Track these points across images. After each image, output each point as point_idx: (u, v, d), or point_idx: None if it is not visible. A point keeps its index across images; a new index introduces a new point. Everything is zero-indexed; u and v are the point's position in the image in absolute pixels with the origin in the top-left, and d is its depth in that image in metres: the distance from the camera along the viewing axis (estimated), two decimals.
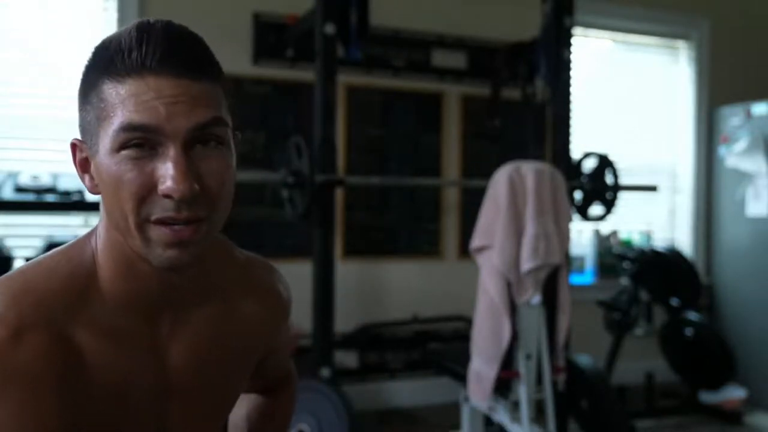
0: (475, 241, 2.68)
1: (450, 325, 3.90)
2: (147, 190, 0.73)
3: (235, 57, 3.59)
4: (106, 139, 0.73)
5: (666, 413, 3.87)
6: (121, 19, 3.30)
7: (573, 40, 3.20)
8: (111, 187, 0.74)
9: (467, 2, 4.07)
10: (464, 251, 3.64)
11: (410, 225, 4.02)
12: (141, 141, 0.72)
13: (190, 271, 0.82)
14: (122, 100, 0.72)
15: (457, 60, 4.04)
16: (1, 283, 0.77)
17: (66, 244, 0.84)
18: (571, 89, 3.21)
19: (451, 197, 4.09)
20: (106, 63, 0.73)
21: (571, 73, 3.20)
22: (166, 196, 0.73)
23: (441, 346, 3.84)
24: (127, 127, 0.72)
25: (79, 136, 0.80)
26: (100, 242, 0.81)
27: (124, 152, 0.73)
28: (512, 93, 3.90)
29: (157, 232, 0.74)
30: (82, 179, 0.80)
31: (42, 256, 0.82)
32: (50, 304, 0.76)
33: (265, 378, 1.09)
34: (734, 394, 3.90)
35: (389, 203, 3.99)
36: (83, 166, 0.80)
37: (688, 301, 3.93)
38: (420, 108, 4.03)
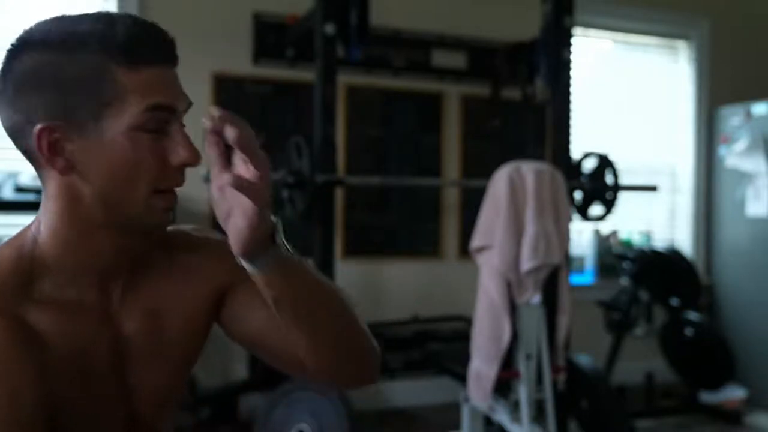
0: (475, 241, 2.68)
1: (450, 325, 3.90)
2: (161, 164, 0.84)
3: (235, 57, 3.59)
4: (120, 120, 0.81)
5: (666, 413, 3.87)
6: None
7: (573, 40, 3.20)
8: (125, 162, 0.82)
9: (467, 2, 4.07)
10: (464, 251, 3.64)
11: (410, 225, 4.02)
12: (163, 119, 0.83)
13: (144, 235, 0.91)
14: (141, 86, 0.81)
15: (457, 60, 4.04)
16: None
17: (7, 239, 0.89)
18: (571, 89, 3.21)
19: (451, 197, 4.09)
20: (114, 52, 0.81)
21: (571, 73, 3.19)
22: (184, 165, 0.85)
23: (441, 346, 3.83)
24: (155, 107, 0.82)
25: (41, 119, 0.81)
26: (51, 222, 0.85)
27: (144, 132, 0.82)
28: (512, 93, 3.90)
29: (162, 200, 0.86)
30: (51, 161, 0.82)
31: None
32: (1, 291, 0.81)
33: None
34: (734, 394, 3.90)
35: (389, 203, 3.99)
36: (53, 148, 0.82)
37: (688, 301, 3.93)
38: (420, 108, 4.03)
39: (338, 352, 0.95)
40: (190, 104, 0.87)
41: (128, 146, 0.81)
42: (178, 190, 0.89)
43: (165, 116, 0.83)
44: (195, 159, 0.85)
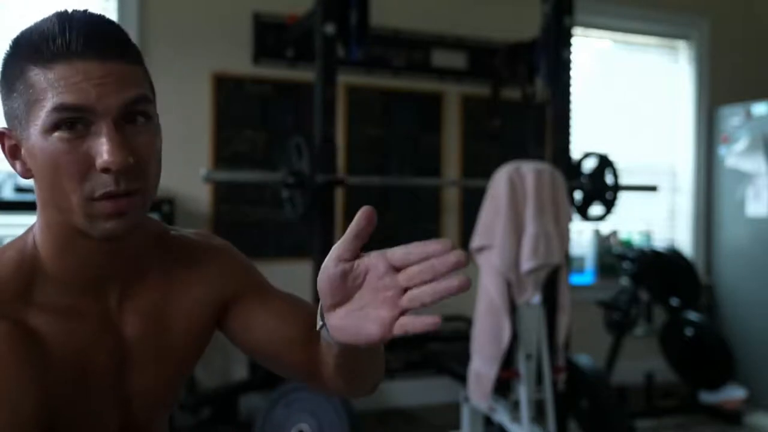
0: (475, 241, 2.69)
1: (450, 325, 3.90)
2: (85, 169, 0.77)
3: (235, 57, 3.59)
4: (37, 122, 0.77)
5: (666, 413, 3.87)
6: (121, 20, 3.29)
7: (573, 40, 3.20)
8: (48, 167, 0.78)
9: (467, 2, 4.07)
10: (464, 251, 3.65)
11: (410, 225, 4.02)
12: (73, 120, 0.76)
13: (130, 240, 0.86)
14: (51, 84, 0.75)
15: (457, 60, 4.04)
16: None
17: (13, 239, 0.88)
18: (571, 89, 3.21)
19: (451, 197, 4.09)
20: (30, 51, 0.77)
21: (571, 73, 3.20)
22: (105, 170, 0.76)
23: (441, 346, 3.84)
24: (60, 108, 0.75)
25: (5, 125, 0.83)
26: (38, 226, 0.85)
27: (57, 133, 0.76)
28: (512, 93, 3.90)
29: (99, 207, 0.78)
30: (13, 166, 0.83)
31: None
32: (1, 294, 0.81)
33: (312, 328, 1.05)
34: (734, 394, 3.90)
35: (389, 203, 3.99)
36: (13, 153, 0.83)
37: (688, 301, 3.93)
38: (420, 108, 4.03)
39: (361, 386, 0.98)
40: (135, 100, 0.79)
41: (45, 150, 0.77)
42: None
43: (76, 116, 0.76)
44: (113, 162, 0.76)
